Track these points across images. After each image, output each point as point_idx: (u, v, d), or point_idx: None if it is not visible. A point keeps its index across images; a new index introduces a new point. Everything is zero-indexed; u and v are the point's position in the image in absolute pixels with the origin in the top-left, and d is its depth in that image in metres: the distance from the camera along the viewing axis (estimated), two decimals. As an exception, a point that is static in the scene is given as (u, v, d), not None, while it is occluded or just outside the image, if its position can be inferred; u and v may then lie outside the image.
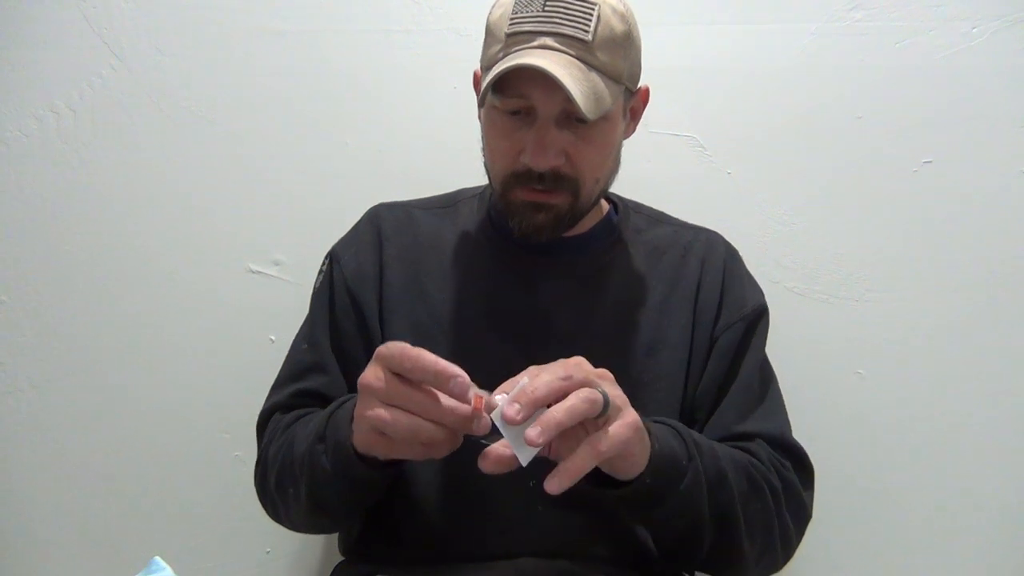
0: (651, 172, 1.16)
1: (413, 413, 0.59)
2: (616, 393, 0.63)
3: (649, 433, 0.66)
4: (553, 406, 0.57)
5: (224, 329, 1.18)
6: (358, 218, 0.96)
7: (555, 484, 0.57)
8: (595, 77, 0.76)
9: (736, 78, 1.17)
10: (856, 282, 1.15)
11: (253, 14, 1.20)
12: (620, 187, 1.00)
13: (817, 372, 1.13)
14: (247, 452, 1.17)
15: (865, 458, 1.12)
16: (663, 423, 0.72)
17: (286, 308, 0.94)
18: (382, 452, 0.63)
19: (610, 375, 0.64)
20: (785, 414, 0.88)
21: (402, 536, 0.83)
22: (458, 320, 0.86)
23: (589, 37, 0.75)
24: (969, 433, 1.12)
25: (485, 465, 0.60)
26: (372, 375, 0.60)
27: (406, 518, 0.83)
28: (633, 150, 0.90)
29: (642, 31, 0.88)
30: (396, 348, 0.59)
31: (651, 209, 1.00)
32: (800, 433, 0.88)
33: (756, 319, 0.90)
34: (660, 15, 1.15)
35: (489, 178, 0.87)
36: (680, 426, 0.73)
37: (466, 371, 0.83)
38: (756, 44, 1.17)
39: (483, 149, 0.86)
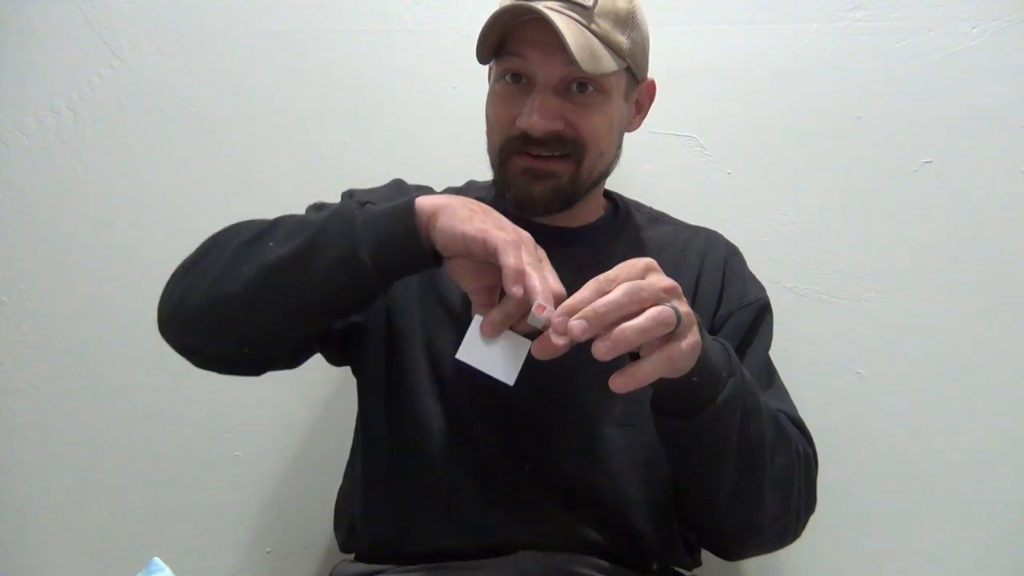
0: (651, 172, 1.16)
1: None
2: (685, 310, 0.61)
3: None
4: (625, 323, 0.57)
5: (224, 329, 1.18)
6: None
7: (621, 383, 0.58)
8: (593, 39, 0.77)
9: (736, 78, 1.17)
10: (856, 282, 1.15)
11: (253, 14, 1.20)
12: (620, 187, 1.00)
13: (817, 372, 1.13)
14: (247, 452, 1.17)
15: (865, 458, 1.12)
16: (716, 340, 0.70)
17: (286, 308, 0.94)
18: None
19: (678, 289, 0.62)
20: (795, 407, 0.88)
21: (401, 534, 0.83)
22: (463, 305, 0.86)
23: (590, 3, 0.77)
24: (969, 433, 1.12)
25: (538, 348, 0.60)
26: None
27: (405, 516, 0.83)
28: (633, 150, 0.90)
29: (643, 31, 0.88)
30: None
31: (651, 209, 1.00)
32: (800, 433, 0.88)
33: (761, 312, 0.90)
34: (660, 16, 1.14)
35: (489, 155, 0.87)
36: (730, 348, 0.71)
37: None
38: (756, 44, 1.17)
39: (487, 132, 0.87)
